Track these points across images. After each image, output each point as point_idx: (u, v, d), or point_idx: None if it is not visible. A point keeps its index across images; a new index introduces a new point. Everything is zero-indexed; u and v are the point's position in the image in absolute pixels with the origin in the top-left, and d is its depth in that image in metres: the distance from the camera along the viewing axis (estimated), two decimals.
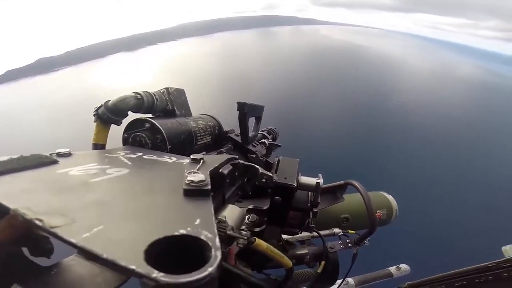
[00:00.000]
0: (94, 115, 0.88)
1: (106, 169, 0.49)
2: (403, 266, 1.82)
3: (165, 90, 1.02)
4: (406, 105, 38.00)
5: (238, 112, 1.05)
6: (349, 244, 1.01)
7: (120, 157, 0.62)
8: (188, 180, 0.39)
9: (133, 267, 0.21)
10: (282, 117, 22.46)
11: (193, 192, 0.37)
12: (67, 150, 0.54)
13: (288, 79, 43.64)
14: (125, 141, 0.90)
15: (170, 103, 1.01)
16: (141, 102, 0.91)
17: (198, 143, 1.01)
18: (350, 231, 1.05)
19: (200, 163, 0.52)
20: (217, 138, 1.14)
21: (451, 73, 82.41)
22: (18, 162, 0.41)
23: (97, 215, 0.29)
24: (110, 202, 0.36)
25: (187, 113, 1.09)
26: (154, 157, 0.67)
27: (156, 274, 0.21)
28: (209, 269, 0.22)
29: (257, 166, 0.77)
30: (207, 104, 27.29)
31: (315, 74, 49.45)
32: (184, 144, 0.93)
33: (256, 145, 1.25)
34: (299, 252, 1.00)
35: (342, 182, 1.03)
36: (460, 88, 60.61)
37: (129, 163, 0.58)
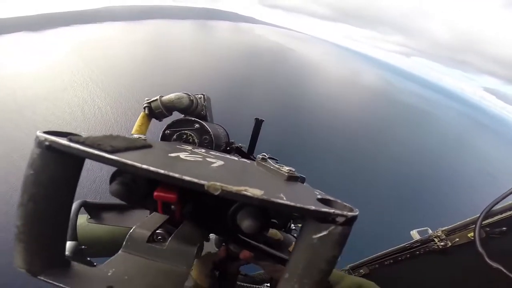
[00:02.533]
0: (145, 107, 0.95)
1: (205, 158, 0.56)
2: None
3: (202, 96, 1.10)
4: (319, 104, 45.71)
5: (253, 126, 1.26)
6: None
7: (193, 150, 0.69)
8: (287, 170, 0.54)
9: (332, 210, 0.30)
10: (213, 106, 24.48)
11: (293, 178, 0.51)
12: (143, 136, 0.59)
13: (219, 72, 44.34)
14: (166, 137, 0.97)
15: (205, 109, 1.09)
16: (191, 104, 1.00)
17: (220, 148, 1.11)
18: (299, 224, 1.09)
19: (268, 160, 0.66)
20: (226, 146, 1.26)
21: (357, 80, 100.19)
22: (127, 141, 0.42)
23: (265, 188, 0.33)
24: (252, 180, 0.43)
25: (211, 120, 1.19)
26: (219, 154, 0.77)
27: (345, 212, 0.31)
28: (357, 211, 0.32)
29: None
30: (125, 93, 26.61)
31: (247, 70, 51.93)
32: (217, 147, 1.03)
33: (255, 157, 1.31)
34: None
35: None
36: (362, 93, 75.04)
37: (211, 156, 0.63)
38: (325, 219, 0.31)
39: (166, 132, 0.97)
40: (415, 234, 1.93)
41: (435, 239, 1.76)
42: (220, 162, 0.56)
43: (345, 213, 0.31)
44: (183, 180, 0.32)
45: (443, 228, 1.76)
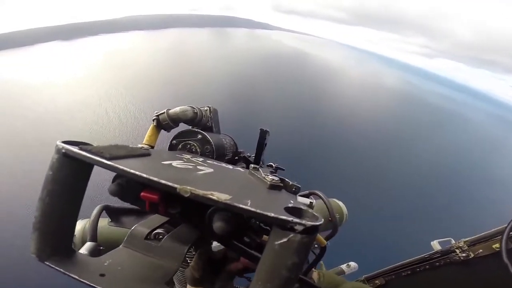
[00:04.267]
0: (154, 119, 1.02)
1: (196, 166, 0.62)
2: (352, 264, 1.94)
3: (208, 108, 1.15)
4: (341, 108, 44.67)
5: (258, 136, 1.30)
6: (315, 245, 1.10)
7: (191, 159, 0.75)
8: (270, 179, 0.58)
9: (290, 218, 0.33)
10: (229, 114, 24.24)
11: (275, 187, 0.55)
12: (146, 145, 0.65)
13: (238, 79, 45.45)
14: (173, 147, 1.04)
15: (210, 120, 1.15)
16: (195, 116, 1.05)
17: (226, 157, 1.17)
18: None
19: (259, 170, 0.70)
20: (233, 156, 1.31)
21: (379, 82, 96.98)
22: (127, 150, 0.49)
23: (236, 194, 0.37)
24: (234, 188, 0.48)
25: (218, 130, 1.24)
26: (215, 163, 0.82)
27: (304, 221, 0.33)
28: (322, 220, 0.35)
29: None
30: (154, 102, 27.71)
31: (264, 76, 52.69)
32: (220, 156, 1.08)
33: (262, 166, 1.35)
34: None
35: (307, 192, 1.14)
36: (384, 96, 72.51)
37: (205, 164, 0.69)
38: (284, 226, 0.33)
39: (173, 142, 1.04)
40: (435, 245, 1.83)
41: (456, 250, 1.65)
42: (209, 170, 0.61)
43: (303, 222, 0.33)
44: (159, 183, 0.37)
45: (466, 239, 1.65)
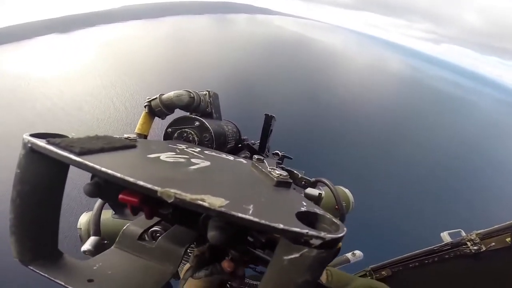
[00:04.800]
0: (145, 106, 0.95)
1: (190, 159, 0.54)
2: (358, 252, 1.93)
3: (207, 92, 1.09)
4: (346, 93, 43.92)
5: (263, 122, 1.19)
6: None
7: (186, 149, 0.68)
8: (277, 174, 0.48)
9: (305, 231, 0.26)
10: (232, 100, 23.93)
11: (283, 183, 0.47)
12: (133, 135, 0.57)
13: (241, 64, 44.43)
14: (168, 136, 0.96)
15: (210, 106, 1.07)
16: (192, 101, 0.98)
17: (228, 146, 1.09)
18: None
19: (264, 161, 0.63)
20: (236, 144, 1.22)
21: (384, 68, 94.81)
22: (105, 141, 0.43)
23: (234, 197, 0.30)
24: (233, 187, 0.42)
25: (219, 116, 1.16)
26: (214, 154, 0.75)
27: (323, 233, 0.27)
28: (345, 229, 0.29)
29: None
30: (158, 89, 27.56)
31: (268, 61, 51.42)
32: (221, 145, 1.01)
33: (268, 155, 1.30)
34: None
35: (313, 179, 1.10)
36: (389, 81, 70.96)
37: (201, 156, 0.63)
38: (297, 240, 0.27)
39: (168, 130, 0.96)
40: (445, 236, 1.80)
41: (467, 242, 1.62)
42: (205, 163, 0.54)
43: (322, 234, 0.27)
44: (137, 185, 0.31)
45: (478, 231, 1.62)
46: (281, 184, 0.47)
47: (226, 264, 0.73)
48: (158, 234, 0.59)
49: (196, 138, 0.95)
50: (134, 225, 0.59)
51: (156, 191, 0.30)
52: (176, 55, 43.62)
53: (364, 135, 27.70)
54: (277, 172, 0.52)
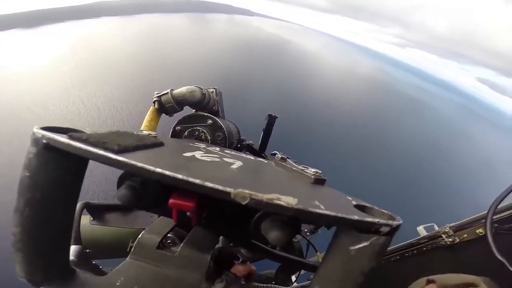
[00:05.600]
0: (154, 101, 0.90)
1: (222, 158, 0.53)
2: None
3: (214, 90, 1.05)
4: (319, 96, 45.42)
5: (266, 122, 1.21)
6: (307, 233, 1.15)
7: (208, 148, 0.66)
8: (313, 172, 0.50)
9: (376, 220, 0.28)
10: None
11: (320, 181, 0.47)
12: (154, 133, 0.55)
13: (217, 65, 44.01)
14: (177, 134, 0.91)
15: (216, 104, 1.04)
16: (203, 98, 0.95)
17: (232, 146, 1.05)
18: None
19: (287, 161, 0.63)
20: (237, 143, 1.20)
21: (356, 71, 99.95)
22: (135, 138, 0.38)
23: (298, 195, 0.29)
24: (278, 185, 0.40)
25: (223, 115, 1.13)
26: (235, 153, 0.74)
27: (390, 221, 0.28)
28: (400, 218, 0.30)
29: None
30: (131, 89, 26.25)
31: (245, 62, 51.72)
32: (230, 145, 0.97)
33: (266, 155, 1.27)
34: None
35: None
36: (358, 83, 75.07)
37: (227, 155, 0.60)
38: (368, 229, 0.29)
39: (177, 128, 0.92)
40: (421, 230, 1.88)
41: (442, 235, 1.73)
42: (239, 163, 0.52)
43: (390, 222, 0.29)
44: (205, 187, 0.28)
45: (451, 224, 1.74)
46: (318, 181, 0.48)
47: (241, 268, 0.72)
48: (169, 241, 0.55)
49: (208, 137, 0.92)
50: (149, 233, 0.55)
51: (229, 193, 0.28)
52: (151, 53, 42.03)
53: (334, 137, 28.96)
54: (312, 170, 0.52)
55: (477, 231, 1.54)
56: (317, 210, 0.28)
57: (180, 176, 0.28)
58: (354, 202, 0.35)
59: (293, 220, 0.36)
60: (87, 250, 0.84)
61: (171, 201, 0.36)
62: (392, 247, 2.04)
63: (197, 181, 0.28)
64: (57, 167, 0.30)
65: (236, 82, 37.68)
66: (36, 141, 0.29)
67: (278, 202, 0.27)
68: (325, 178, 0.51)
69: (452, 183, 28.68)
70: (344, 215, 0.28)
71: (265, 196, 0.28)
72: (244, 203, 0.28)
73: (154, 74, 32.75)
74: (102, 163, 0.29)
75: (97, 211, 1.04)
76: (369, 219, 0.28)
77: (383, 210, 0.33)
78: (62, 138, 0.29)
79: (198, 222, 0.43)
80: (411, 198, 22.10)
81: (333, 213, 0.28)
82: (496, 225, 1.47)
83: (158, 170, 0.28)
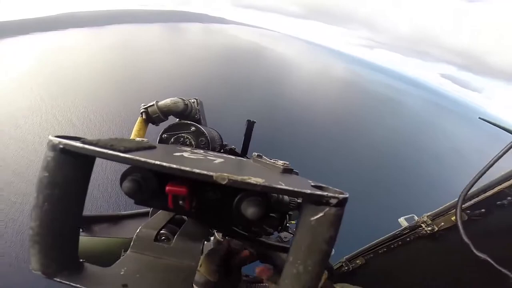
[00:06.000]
0: (142, 112, 0.98)
1: (206, 157, 0.60)
2: None
3: (195, 100, 1.15)
4: (297, 99, 46.58)
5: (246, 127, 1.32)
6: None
7: (194, 151, 0.73)
8: (282, 163, 0.60)
9: (325, 193, 0.34)
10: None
11: (288, 170, 0.57)
12: (145, 139, 0.61)
13: (192, 74, 43.69)
14: (163, 141, 0.99)
15: (198, 113, 1.14)
16: (186, 108, 1.04)
17: (215, 150, 1.14)
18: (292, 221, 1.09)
19: (263, 157, 0.73)
20: (220, 148, 1.30)
21: (329, 73, 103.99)
22: (133, 142, 0.45)
23: (266, 178, 0.36)
24: (252, 172, 0.45)
25: (205, 123, 1.23)
26: (217, 154, 0.82)
27: (337, 194, 0.35)
28: (347, 194, 0.35)
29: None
30: (105, 102, 25.14)
31: (221, 70, 51.63)
32: (213, 149, 1.06)
33: (248, 157, 1.35)
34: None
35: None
36: (332, 85, 78.26)
37: (210, 155, 0.67)
38: (320, 201, 0.34)
39: (163, 136, 0.99)
40: (403, 222, 1.97)
41: (422, 224, 1.83)
42: (220, 160, 0.59)
43: (337, 195, 0.35)
44: (193, 173, 0.35)
45: (428, 214, 1.84)
46: (286, 170, 0.57)
47: (266, 271, 0.82)
48: (163, 237, 0.61)
49: (193, 142, 1.00)
50: (146, 228, 0.61)
51: (211, 176, 0.35)
52: (125, 65, 40.67)
53: (311, 136, 29.85)
54: (281, 162, 0.62)
55: (452, 218, 1.66)
56: (279, 186, 0.35)
57: (174, 166, 0.35)
58: (312, 184, 0.41)
59: (264, 200, 0.45)
60: (81, 260, 0.84)
61: (167, 188, 0.44)
62: (378, 240, 2.13)
63: (187, 168, 0.35)
64: (71, 167, 0.36)
65: (216, 90, 37.63)
66: (53, 146, 0.35)
67: (249, 181, 0.35)
68: (292, 168, 0.60)
69: (428, 171, 30.38)
70: (299, 189, 0.34)
71: (239, 177, 0.35)
72: (224, 183, 0.34)
73: (128, 86, 31.68)
74: (113, 160, 0.35)
75: (85, 223, 1.06)
76: (319, 192, 0.34)
77: (336, 189, 0.38)
78: (78, 143, 0.35)
79: (190, 208, 0.51)
80: (392, 190, 23.10)
81: (290, 188, 0.35)
82: (468, 211, 1.61)
83: (157, 162, 0.35)
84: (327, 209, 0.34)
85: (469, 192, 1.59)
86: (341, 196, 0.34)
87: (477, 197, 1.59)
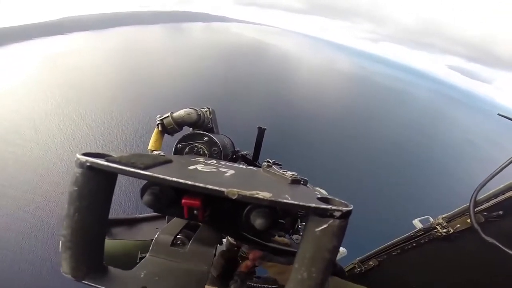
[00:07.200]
0: (158, 124, 1.03)
1: (218, 169, 0.64)
2: (341, 249, 2.00)
3: (208, 109, 1.18)
4: (305, 94, 46.16)
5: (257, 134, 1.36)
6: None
7: (206, 161, 0.77)
8: (290, 174, 0.62)
9: (329, 206, 0.37)
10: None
11: (296, 181, 0.59)
12: (163, 152, 0.68)
13: (197, 73, 43.80)
14: (178, 151, 1.04)
15: (211, 122, 1.18)
16: (199, 118, 1.08)
17: (228, 157, 1.19)
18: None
19: (272, 167, 0.75)
20: (232, 155, 1.34)
21: (335, 68, 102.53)
22: (152, 158, 0.49)
23: (273, 191, 0.39)
24: (261, 185, 0.51)
25: (218, 131, 1.27)
26: (229, 164, 0.86)
27: (340, 207, 0.37)
28: (351, 206, 0.38)
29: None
30: (119, 104, 25.38)
31: (230, 69, 51.75)
32: (225, 157, 1.11)
33: (260, 163, 1.38)
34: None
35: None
36: (338, 79, 77.16)
37: (223, 166, 0.72)
38: (324, 214, 0.37)
39: (178, 146, 1.04)
40: (417, 223, 1.95)
41: (437, 226, 1.79)
42: (231, 171, 0.63)
43: (340, 208, 0.37)
44: (207, 188, 0.38)
45: (444, 215, 1.81)
46: (294, 181, 0.59)
47: (248, 263, 0.85)
48: (179, 242, 0.65)
49: (206, 152, 1.04)
50: (164, 233, 0.65)
51: (223, 192, 0.38)
52: (132, 67, 40.97)
53: (321, 133, 29.55)
54: (289, 173, 0.64)
55: (468, 220, 1.62)
56: (285, 200, 0.37)
57: (189, 182, 0.39)
58: (319, 195, 0.43)
59: (272, 211, 0.48)
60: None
61: (183, 201, 0.49)
62: (392, 241, 2.10)
63: (201, 185, 0.38)
64: (97, 181, 0.40)
65: (223, 88, 37.61)
66: (81, 164, 0.39)
67: (257, 195, 0.38)
68: (301, 178, 0.63)
69: (444, 167, 29.32)
70: (304, 203, 0.37)
71: (248, 192, 0.38)
72: (233, 198, 0.38)
73: (139, 88, 31.98)
74: (134, 177, 0.39)
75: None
76: (323, 206, 0.37)
77: (341, 201, 0.40)
78: (103, 161, 0.39)
79: (203, 218, 0.56)
80: (407, 189, 22.34)
81: (296, 202, 0.37)
82: (485, 213, 1.57)
83: (174, 179, 0.39)
84: (331, 221, 0.36)
85: (485, 194, 1.56)
86: (344, 209, 0.36)
87: (494, 198, 1.56)
